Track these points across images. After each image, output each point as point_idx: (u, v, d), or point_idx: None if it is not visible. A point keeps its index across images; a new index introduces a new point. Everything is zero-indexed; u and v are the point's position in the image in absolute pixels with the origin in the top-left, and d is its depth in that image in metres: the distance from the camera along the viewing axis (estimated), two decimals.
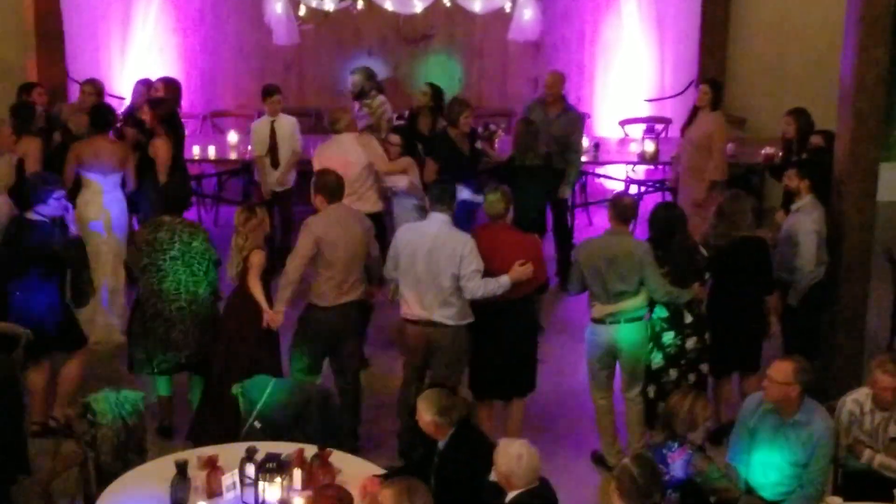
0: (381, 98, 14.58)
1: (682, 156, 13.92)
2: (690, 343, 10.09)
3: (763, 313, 10.60)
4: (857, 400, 8.49)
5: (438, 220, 9.94)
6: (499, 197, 10.11)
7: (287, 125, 14.02)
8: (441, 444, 8.16)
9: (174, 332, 10.45)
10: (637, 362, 10.12)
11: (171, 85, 14.00)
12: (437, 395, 8.19)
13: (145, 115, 13.00)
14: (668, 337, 10.07)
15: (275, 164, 13.91)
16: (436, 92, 14.27)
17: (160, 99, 13.53)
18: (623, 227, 10.04)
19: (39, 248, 10.10)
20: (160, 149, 12.61)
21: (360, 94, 14.43)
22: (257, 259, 10.04)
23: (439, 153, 12.92)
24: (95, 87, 13.95)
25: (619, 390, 10.40)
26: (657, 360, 10.12)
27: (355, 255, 10.19)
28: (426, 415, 8.11)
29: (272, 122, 13.94)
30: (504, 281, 9.78)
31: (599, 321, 10.04)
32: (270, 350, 10.31)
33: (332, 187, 10.26)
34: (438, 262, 9.79)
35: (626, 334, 10.00)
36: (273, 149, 13.91)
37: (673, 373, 10.09)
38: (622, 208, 10.08)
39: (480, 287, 9.73)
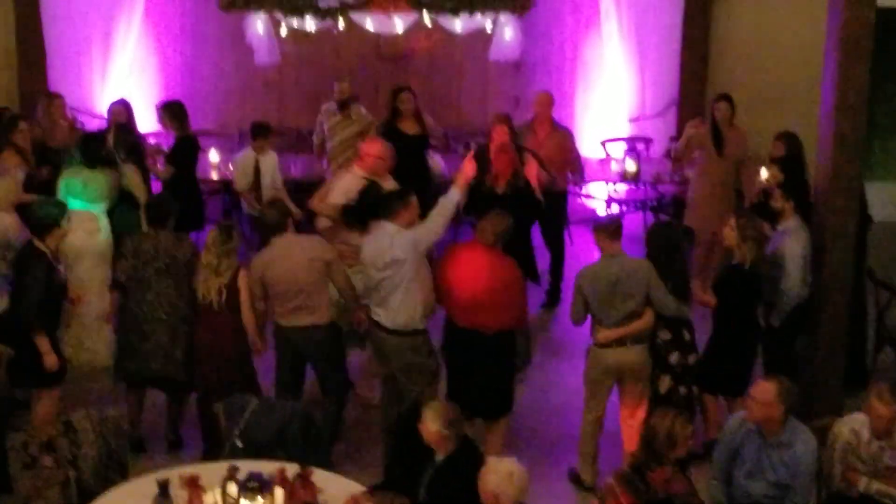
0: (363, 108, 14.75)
1: (715, 176, 13.92)
2: (691, 359, 10.23)
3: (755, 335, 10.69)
4: (853, 429, 8.50)
5: (383, 228, 10.08)
6: (495, 225, 10.14)
7: (270, 162, 14.03)
8: (439, 458, 8.16)
9: (147, 344, 10.51)
10: (644, 384, 10.15)
11: (169, 110, 14.00)
12: (445, 407, 8.23)
13: (109, 139, 13.05)
14: (674, 357, 10.16)
15: (258, 199, 13.87)
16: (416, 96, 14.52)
17: (124, 126, 13.56)
18: (617, 246, 10.06)
19: (39, 276, 10.03)
20: (132, 179, 12.63)
21: (346, 102, 14.38)
22: (245, 282, 10.17)
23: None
24: (63, 101, 14.04)
25: (611, 413, 10.41)
26: (666, 381, 10.18)
27: (297, 283, 10.23)
28: (432, 425, 8.10)
29: (256, 158, 13.93)
30: (453, 194, 10.00)
31: (605, 345, 10.04)
32: (250, 368, 10.41)
33: (271, 223, 10.39)
34: (392, 258, 9.95)
35: (634, 357, 10.04)
36: (257, 185, 13.92)
37: (682, 390, 10.20)
38: (612, 228, 10.11)
39: (434, 225, 10.04)
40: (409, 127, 14.31)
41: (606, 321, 9.99)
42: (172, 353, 10.50)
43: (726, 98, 13.95)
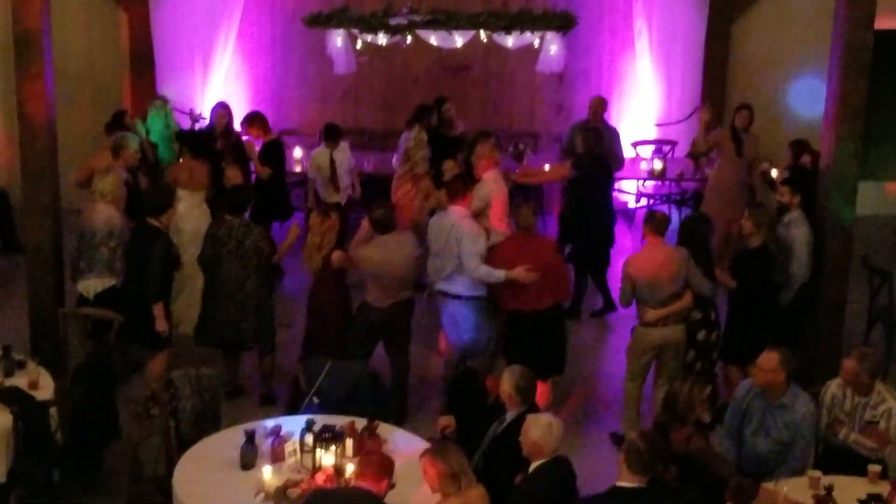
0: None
1: (732, 174, 13.91)
2: (714, 337, 10.23)
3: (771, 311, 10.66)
4: (840, 384, 8.51)
5: (453, 210, 10.22)
6: (531, 211, 10.21)
7: (343, 156, 14.01)
8: (509, 416, 8.18)
9: (218, 312, 10.71)
10: (679, 357, 10.14)
11: (250, 122, 14.11)
12: (519, 373, 8.23)
13: (220, 143, 13.16)
14: (702, 335, 10.18)
15: (336, 188, 13.92)
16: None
17: (228, 129, 13.71)
18: (660, 238, 10.08)
19: (161, 251, 10.20)
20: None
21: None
22: (338, 257, 10.42)
23: None
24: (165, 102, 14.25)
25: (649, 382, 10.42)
26: (690, 355, 10.20)
27: (398, 275, 10.26)
28: (505, 384, 8.18)
29: (330, 153, 13.92)
30: (500, 274, 9.94)
31: (652, 324, 10.03)
32: (346, 330, 10.55)
33: (379, 222, 10.29)
34: (449, 243, 10.06)
35: (674, 333, 10.05)
36: (333, 176, 13.91)
37: (699, 365, 10.19)
38: (658, 223, 10.13)
39: (477, 268, 9.95)
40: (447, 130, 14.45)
41: (652, 302, 9.99)
42: (239, 324, 10.66)
43: (747, 107, 13.94)
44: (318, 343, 10.47)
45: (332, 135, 13.93)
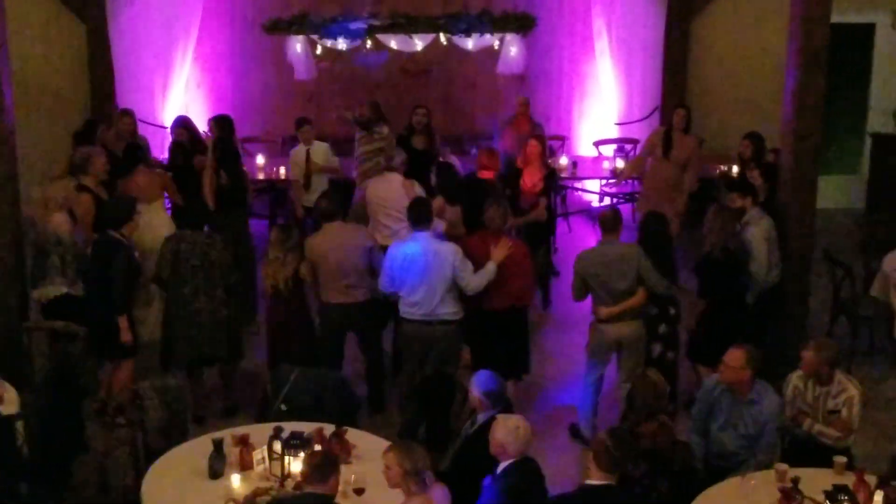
0: (387, 128, 14.28)
1: (660, 175, 13.84)
2: (678, 329, 10.40)
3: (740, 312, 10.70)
4: (801, 376, 8.62)
5: (424, 237, 9.97)
6: (501, 213, 10.21)
7: (320, 152, 13.96)
8: (481, 417, 8.16)
9: (192, 331, 10.49)
10: (639, 353, 10.15)
11: (220, 123, 13.50)
12: (488, 378, 8.24)
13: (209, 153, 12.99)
14: (663, 328, 10.31)
15: (307, 186, 13.85)
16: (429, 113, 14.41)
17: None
18: (612, 235, 10.06)
19: (122, 262, 10.10)
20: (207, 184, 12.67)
21: (367, 123, 14.22)
22: (306, 268, 10.33)
23: None
24: (132, 118, 14.00)
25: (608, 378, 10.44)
26: (657, 348, 10.33)
27: (346, 265, 10.26)
28: (474, 390, 8.19)
29: (307, 150, 13.88)
30: (491, 267, 9.92)
31: (606, 321, 10.05)
32: (313, 339, 10.58)
33: (324, 212, 10.49)
34: (432, 270, 9.83)
35: (631, 330, 10.06)
36: (308, 174, 13.87)
37: (671, 355, 10.40)
38: (607, 222, 10.08)
39: (476, 281, 9.86)
40: (418, 142, 14.19)
41: (605, 299, 10.01)
42: (215, 335, 10.54)
43: (684, 106, 14.07)
44: (283, 358, 10.39)
45: (300, 124, 13.93)
